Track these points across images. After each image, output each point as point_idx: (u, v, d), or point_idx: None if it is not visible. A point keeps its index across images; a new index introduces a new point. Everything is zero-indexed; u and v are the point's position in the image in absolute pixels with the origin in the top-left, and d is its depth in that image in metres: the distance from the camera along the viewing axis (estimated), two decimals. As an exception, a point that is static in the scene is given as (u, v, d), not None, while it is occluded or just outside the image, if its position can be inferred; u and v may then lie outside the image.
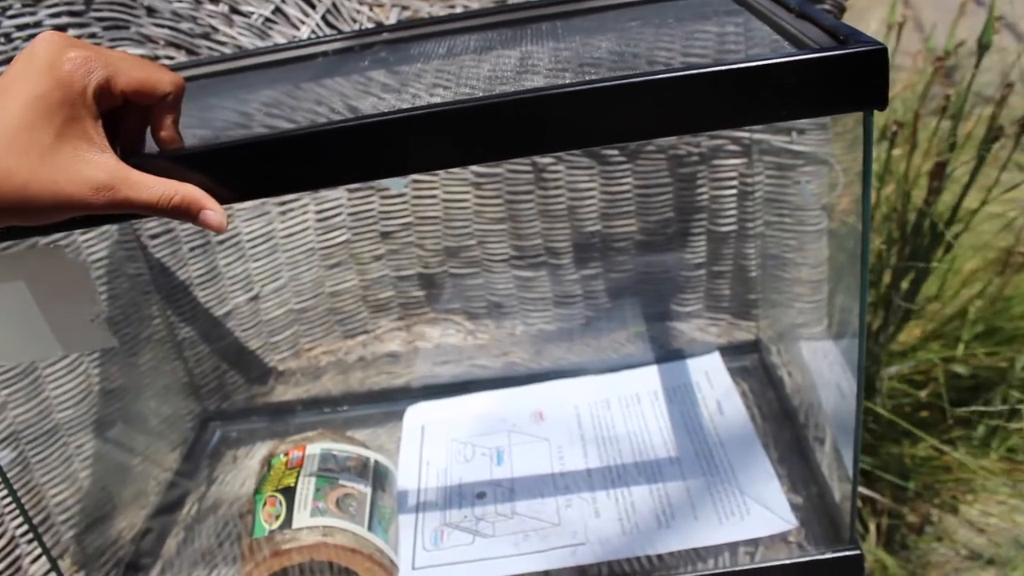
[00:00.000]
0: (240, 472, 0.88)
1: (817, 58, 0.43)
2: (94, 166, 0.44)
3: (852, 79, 0.44)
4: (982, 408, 1.16)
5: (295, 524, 0.66)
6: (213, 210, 0.47)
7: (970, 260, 1.24)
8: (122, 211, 0.45)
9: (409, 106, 0.47)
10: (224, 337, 0.95)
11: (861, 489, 1.14)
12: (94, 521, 0.79)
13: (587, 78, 0.45)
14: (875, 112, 0.47)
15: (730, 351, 0.91)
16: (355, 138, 0.46)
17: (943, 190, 1.05)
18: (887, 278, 1.13)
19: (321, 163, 0.47)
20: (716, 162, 0.88)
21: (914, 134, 1.03)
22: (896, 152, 1.13)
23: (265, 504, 0.69)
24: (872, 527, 1.14)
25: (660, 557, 0.67)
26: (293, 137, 0.47)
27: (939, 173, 1.02)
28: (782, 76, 0.44)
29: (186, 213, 0.46)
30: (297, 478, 0.70)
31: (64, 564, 0.75)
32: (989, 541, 1.17)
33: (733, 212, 0.90)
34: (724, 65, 0.43)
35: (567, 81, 0.45)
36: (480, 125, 0.46)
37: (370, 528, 0.68)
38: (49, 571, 0.74)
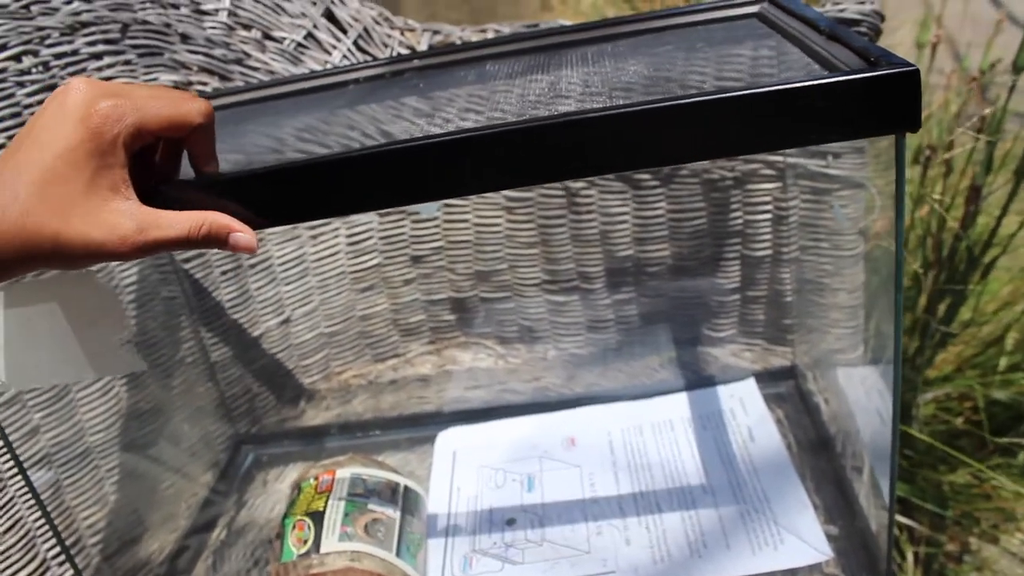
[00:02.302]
0: (271, 496, 0.88)
1: (848, 80, 0.43)
2: (122, 215, 0.44)
3: (884, 101, 0.43)
4: (1022, 438, 1.14)
5: (323, 549, 0.66)
6: (242, 231, 0.47)
7: (1008, 284, 1.22)
8: (156, 252, 0.45)
9: (441, 131, 0.46)
10: (256, 360, 0.95)
11: (898, 517, 1.12)
12: (125, 543, 0.79)
13: (619, 102, 0.45)
14: (909, 134, 0.46)
15: (765, 377, 0.89)
16: (388, 163, 0.46)
17: (979, 212, 1.03)
18: (923, 302, 1.12)
19: (353, 189, 0.47)
20: (750, 186, 0.87)
21: (948, 157, 1.02)
22: (931, 173, 1.12)
23: (294, 528, 0.69)
24: (910, 556, 1.12)
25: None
26: (326, 163, 0.47)
27: (975, 196, 1.01)
28: (813, 99, 0.43)
29: (216, 239, 0.47)
30: (326, 502, 0.70)
31: (95, 587, 0.75)
32: (1030, 572, 1.14)
33: (768, 236, 0.89)
34: (754, 88, 0.43)
35: (599, 106, 0.45)
36: (513, 150, 0.45)
37: (398, 554, 0.67)
38: (80, 594, 0.74)
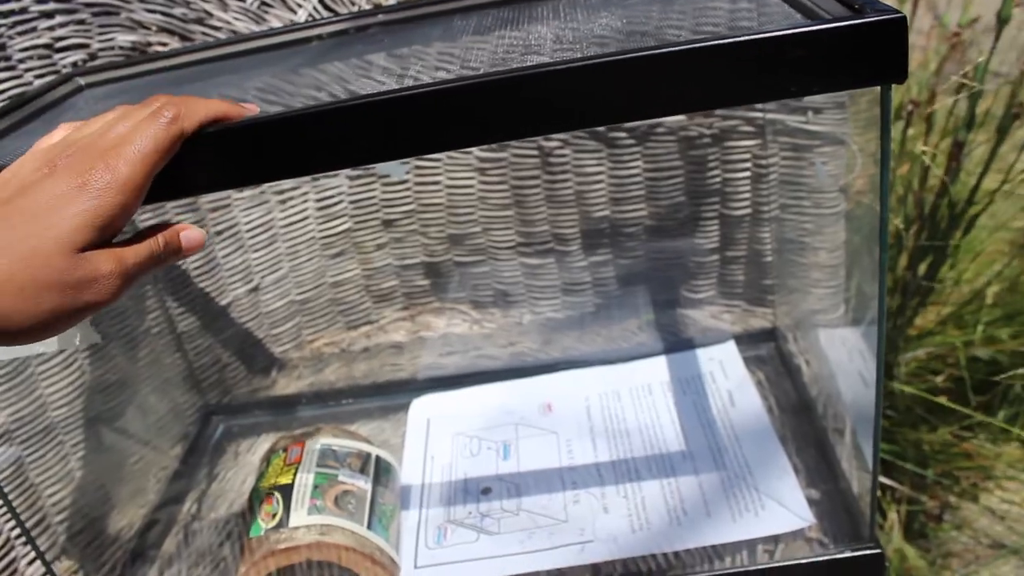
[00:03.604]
0: (242, 468, 0.86)
1: (831, 28, 0.41)
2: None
3: (869, 51, 0.41)
4: (1003, 395, 1.13)
5: (292, 523, 0.64)
6: (188, 228, 0.46)
7: (989, 242, 1.21)
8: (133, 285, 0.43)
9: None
10: (225, 329, 0.93)
11: (879, 477, 1.11)
12: (92, 520, 0.77)
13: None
14: (891, 90, 0.44)
15: (745, 339, 0.88)
16: (357, 119, 0.44)
17: (961, 169, 1.02)
18: (904, 260, 1.10)
19: (323, 146, 0.45)
20: (729, 144, 0.85)
21: (930, 113, 1.00)
22: (912, 132, 1.10)
23: (262, 502, 0.67)
24: (891, 515, 1.12)
25: (676, 555, 0.64)
26: (293, 118, 0.44)
27: (956, 153, 0.99)
28: (795, 49, 0.41)
29: (175, 246, 0.46)
30: (295, 475, 0.68)
31: (63, 565, 0.73)
32: (1010, 529, 1.14)
33: (747, 195, 0.87)
34: (733, 38, 0.41)
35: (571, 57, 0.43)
36: (485, 104, 0.43)
37: (370, 526, 0.66)
38: (45, 574, 0.72)
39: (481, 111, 0.43)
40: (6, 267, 0.38)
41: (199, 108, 0.44)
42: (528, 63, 0.52)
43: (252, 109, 0.46)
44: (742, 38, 0.41)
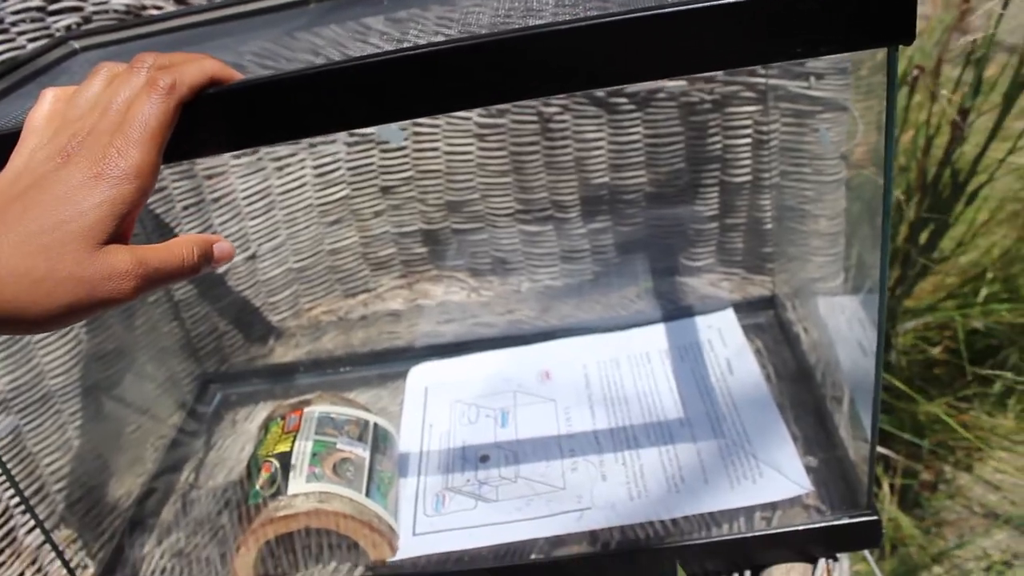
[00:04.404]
0: (240, 436, 0.85)
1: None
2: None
3: (876, 10, 0.40)
4: (999, 367, 1.13)
5: (290, 490, 0.64)
6: (220, 239, 0.46)
7: (991, 213, 1.20)
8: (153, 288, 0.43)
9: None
10: (222, 298, 0.92)
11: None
12: (90, 489, 0.77)
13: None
14: (898, 51, 0.43)
15: (744, 307, 0.88)
16: (354, 81, 0.43)
17: (965, 140, 1.01)
18: (904, 231, 1.10)
19: (320, 107, 0.44)
20: (730, 109, 0.84)
21: (935, 80, 0.99)
22: (916, 100, 1.09)
23: (260, 470, 0.67)
24: (886, 485, 1.12)
25: (674, 522, 0.64)
26: (291, 79, 0.43)
27: (961, 122, 0.98)
28: (800, 8, 0.40)
29: (208, 255, 0.45)
30: (293, 443, 0.68)
31: (61, 534, 0.73)
32: (1004, 499, 1.14)
33: (747, 162, 0.86)
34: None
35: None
36: (483, 64, 0.42)
37: (368, 494, 0.65)
38: (44, 543, 0.72)
39: (479, 72, 0.43)
40: (25, 261, 0.38)
41: (192, 71, 0.43)
42: (528, 24, 0.51)
43: (235, 74, 0.45)
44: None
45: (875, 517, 0.61)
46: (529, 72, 0.43)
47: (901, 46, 0.42)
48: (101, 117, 0.42)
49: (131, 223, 0.42)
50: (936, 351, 1.16)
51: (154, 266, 0.42)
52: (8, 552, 0.70)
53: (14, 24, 0.74)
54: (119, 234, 0.41)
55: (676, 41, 0.41)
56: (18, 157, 0.43)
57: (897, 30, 0.40)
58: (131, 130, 0.41)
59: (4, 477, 0.71)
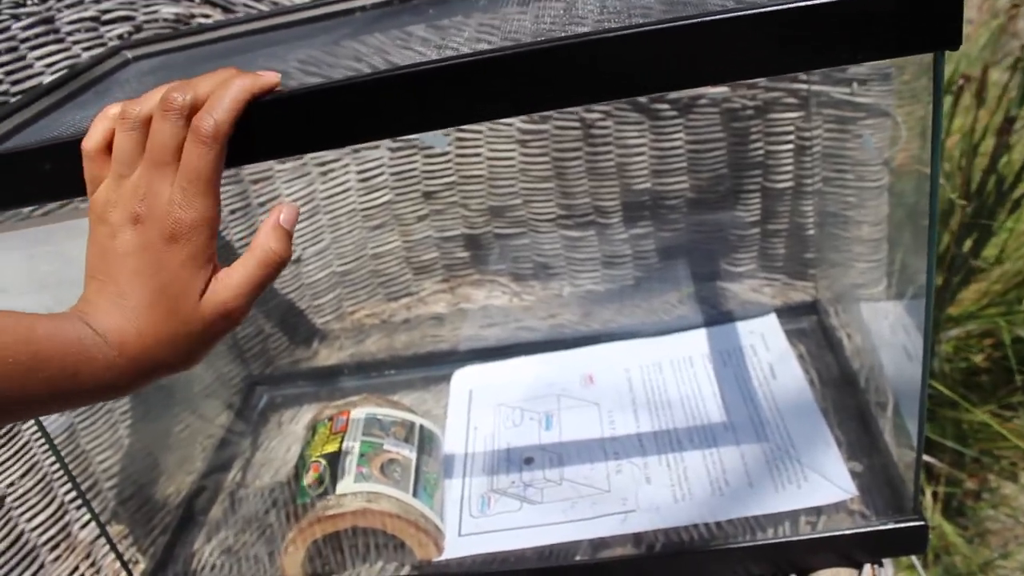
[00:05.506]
0: (286, 437, 0.87)
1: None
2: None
3: (921, 16, 0.40)
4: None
5: (339, 490, 0.65)
6: (278, 210, 0.48)
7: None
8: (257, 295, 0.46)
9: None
10: (267, 300, 0.94)
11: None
12: (141, 487, 0.78)
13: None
14: (944, 57, 0.43)
15: (787, 312, 0.87)
16: (399, 89, 0.44)
17: (1011, 147, 1.00)
18: (947, 238, 1.09)
19: (364, 115, 0.45)
20: (772, 116, 0.84)
21: (982, 87, 0.98)
22: (963, 105, 1.08)
23: (309, 470, 0.68)
24: (929, 493, 1.11)
25: (719, 525, 0.65)
26: (336, 88, 0.44)
27: (1007, 128, 0.98)
28: (843, 14, 0.40)
29: (283, 235, 0.47)
30: (341, 443, 0.69)
31: (113, 530, 0.74)
32: (1049, 509, 1.13)
33: (789, 168, 0.86)
34: (780, 5, 0.40)
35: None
36: (528, 72, 0.43)
37: (415, 494, 0.66)
38: (98, 536, 0.74)
39: (522, 80, 0.43)
40: (155, 330, 0.43)
41: (227, 104, 0.43)
42: (571, 32, 0.52)
43: (270, 77, 0.45)
44: (790, 6, 0.40)
45: (922, 522, 0.61)
46: (573, 80, 0.43)
47: (947, 52, 0.42)
48: (154, 173, 0.44)
49: (214, 254, 0.45)
50: (979, 359, 1.15)
51: (249, 280, 0.45)
52: (64, 546, 0.72)
53: (69, 34, 0.76)
54: (210, 270, 0.45)
55: (720, 48, 0.42)
56: (93, 218, 0.46)
57: (943, 36, 0.40)
58: (188, 185, 0.43)
59: (61, 473, 0.72)
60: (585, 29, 0.57)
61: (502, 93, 0.44)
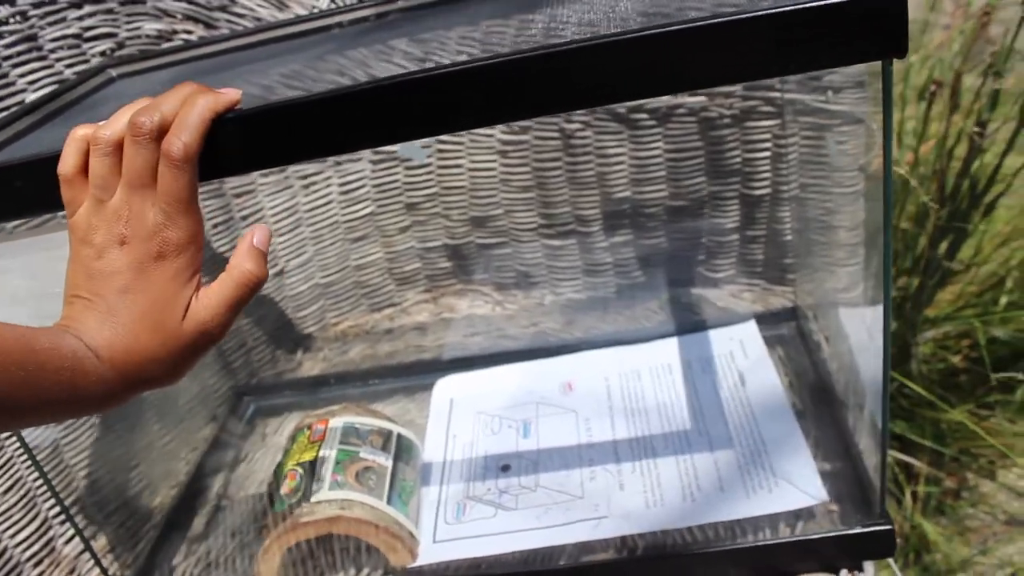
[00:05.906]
0: (269, 448, 0.88)
1: (829, 4, 0.41)
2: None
3: (866, 25, 0.41)
4: (1021, 374, 1.13)
5: (314, 497, 0.66)
6: (251, 233, 0.49)
7: (1009, 223, 1.20)
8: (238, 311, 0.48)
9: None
10: (251, 312, 0.95)
11: (897, 455, 1.12)
12: (126, 501, 0.79)
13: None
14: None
15: (767, 318, 0.88)
16: (377, 101, 0.45)
17: (983, 150, 1.01)
18: (923, 240, 1.10)
19: (345, 127, 0.46)
20: (748, 124, 0.85)
21: (955, 92, 0.99)
22: (935, 110, 1.09)
23: (286, 478, 0.69)
24: (909, 493, 1.12)
25: (689, 531, 0.65)
26: (318, 100, 0.45)
27: (979, 133, 0.99)
28: (794, 24, 0.41)
29: (258, 255, 0.48)
30: (318, 451, 0.70)
31: (97, 544, 0.75)
32: (1027, 506, 1.14)
33: (767, 175, 0.88)
34: (729, 16, 0.41)
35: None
36: (508, 82, 0.44)
37: (389, 501, 0.67)
38: (82, 551, 0.74)
39: (500, 90, 0.44)
40: (142, 346, 0.45)
41: (193, 122, 0.45)
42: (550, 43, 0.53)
43: (231, 94, 0.47)
44: (739, 17, 0.41)
45: (888, 527, 0.61)
46: (550, 89, 0.44)
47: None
48: (134, 196, 0.45)
49: (199, 269, 0.47)
50: (956, 359, 1.16)
51: (226, 299, 0.46)
52: (47, 562, 0.73)
53: (52, 51, 0.77)
54: (195, 285, 0.46)
55: (679, 58, 0.43)
56: (75, 238, 0.47)
57: (888, 45, 0.42)
58: (168, 206, 0.45)
59: (44, 488, 0.73)
60: (561, 40, 0.58)
61: (479, 103, 0.45)
